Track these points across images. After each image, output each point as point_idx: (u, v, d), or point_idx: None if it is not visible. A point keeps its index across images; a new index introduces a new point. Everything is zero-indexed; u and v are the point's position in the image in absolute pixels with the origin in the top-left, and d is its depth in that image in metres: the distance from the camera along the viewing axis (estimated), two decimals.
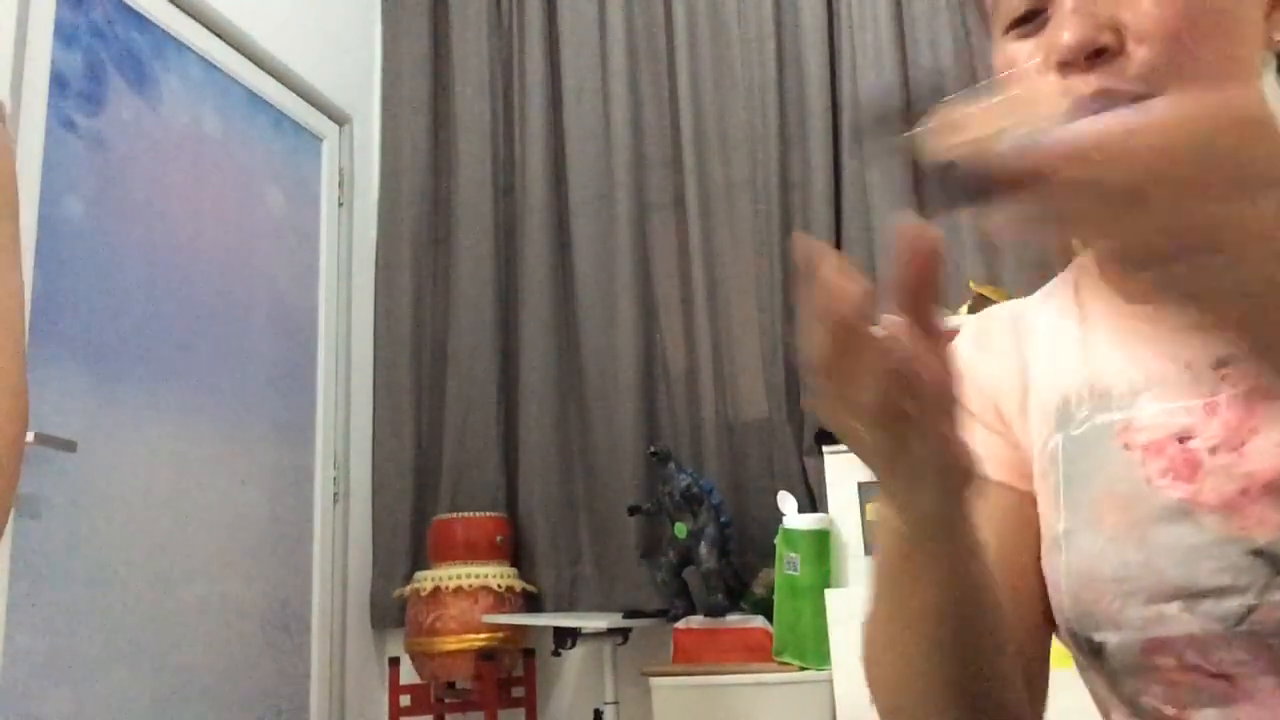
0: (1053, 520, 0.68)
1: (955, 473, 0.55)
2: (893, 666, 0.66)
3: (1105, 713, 0.69)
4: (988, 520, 0.59)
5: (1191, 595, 0.59)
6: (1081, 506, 0.65)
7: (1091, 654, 0.66)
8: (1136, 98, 0.59)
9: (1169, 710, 0.62)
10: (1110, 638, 0.63)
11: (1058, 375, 0.72)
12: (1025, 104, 0.49)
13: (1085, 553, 0.64)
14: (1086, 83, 0.61)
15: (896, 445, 0.53)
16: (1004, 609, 0.63)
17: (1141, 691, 0.63)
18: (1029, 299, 0.81)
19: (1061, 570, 0.66)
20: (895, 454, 0.54)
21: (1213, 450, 0.61)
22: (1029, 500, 0.71)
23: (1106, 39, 0.61)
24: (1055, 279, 0.80)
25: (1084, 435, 0.67)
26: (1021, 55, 0.66)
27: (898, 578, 0.62)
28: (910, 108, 0.51)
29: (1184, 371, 0.64)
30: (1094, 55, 0.61)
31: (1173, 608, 0.60)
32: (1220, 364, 0.62)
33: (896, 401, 0.51)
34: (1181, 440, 0.62)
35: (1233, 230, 0.45)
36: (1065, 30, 0.61)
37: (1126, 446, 0.65)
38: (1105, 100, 0.60)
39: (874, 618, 0.66)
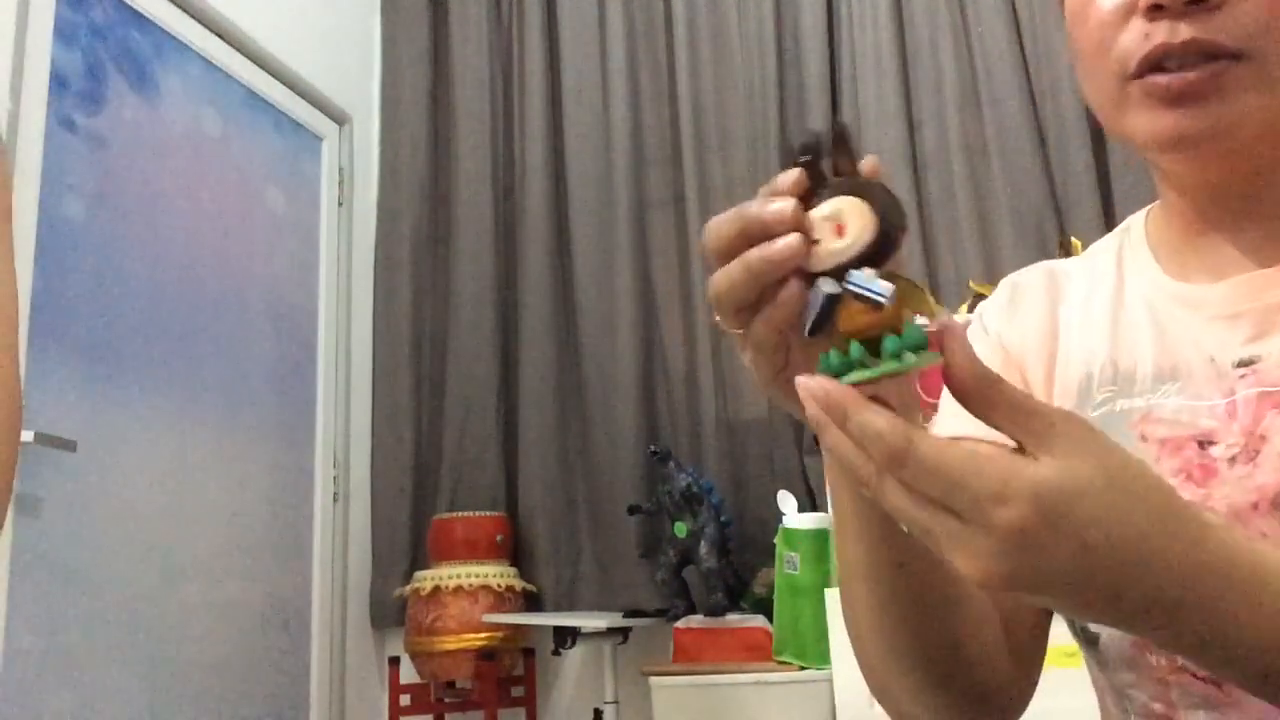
0: None
1: None
2: (853, 623, 0.65)
3: (1100, 697, 0.69)
4: None
5: None
6: None
7: (1086, 642, 0.65)
8: (1230, 55, 0.57)
9: (1157, 707, 0.61)
10: (1104, 630, 0.63)
11: (1085, 346, 0.69)
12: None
13: None
14: (1175, 31, 0.58)
15: (766, 362, 0.51)
16: (960, 583, 0.61)
17: (1132, 685, 0.63)
18: (1076, 258, 0.78)
19: None
20: (764, 370, 0.52)
21: (1231, 461, 0.59)
22: None
23: None
24: (1104, 238, 0.77)
25: (1101, 419, 0.65)
26: None
27: (842, 528, 0.61)
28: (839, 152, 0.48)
29: (1208, 365, 0.62)
30: (1191, 2, 0.58)
31: None
32: (1242, 364, 0.61)
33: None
34: (1202, 445, 0.60)
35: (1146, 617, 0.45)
36: None
37: (1143, 438, 0.63)
38: (1193, 53, 0.58)
39: (839, 573, 0.65)
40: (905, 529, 0.46)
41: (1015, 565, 0.43)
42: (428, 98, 3.27)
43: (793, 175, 0.47)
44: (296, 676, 2.65)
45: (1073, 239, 2.37)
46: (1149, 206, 0.74)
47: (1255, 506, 0.58)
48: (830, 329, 0.46)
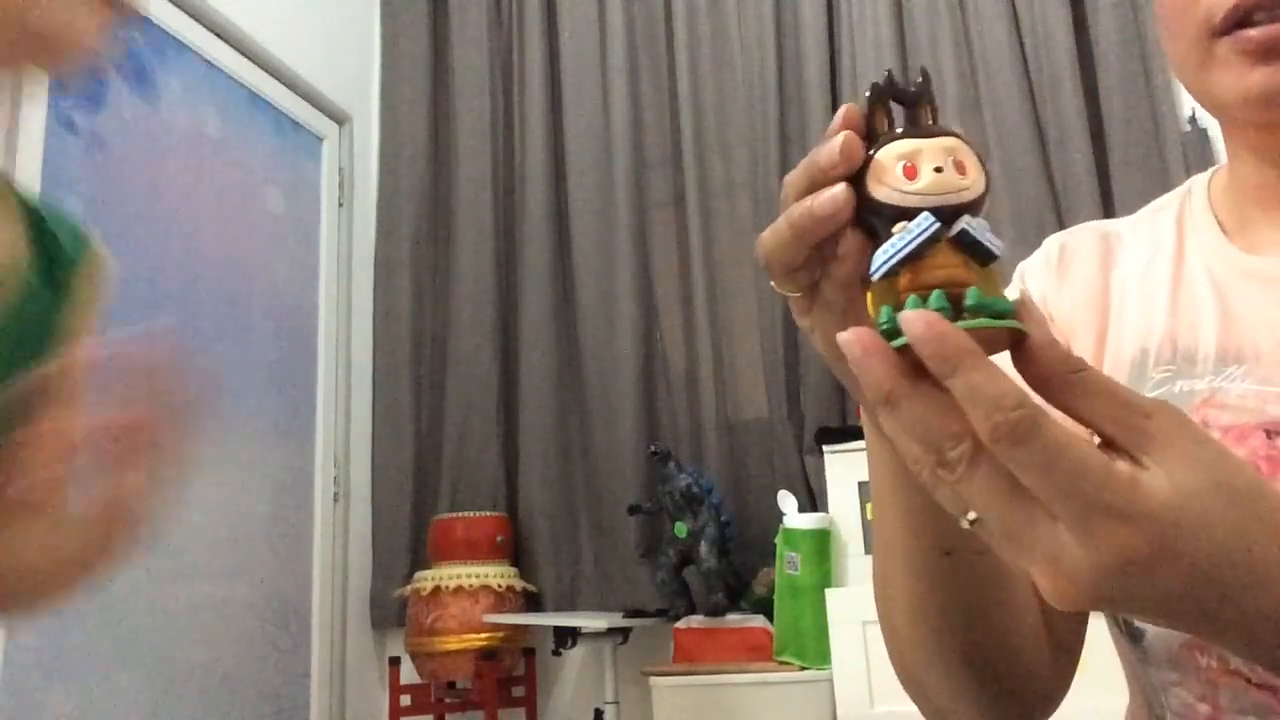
0: None
1: None
2: (887, 610, 0.61)
3: (1133, 692, 0.65)
4: None
5: None
6: None
7: (1130, 638, 0.62)
8: None
9: (1203, 709, 0.58)
10: (1150, 627, 0.59)
11: (1141, 319, 0.64)
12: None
13: None
14: None
15: (830, 327, 0.46)
16: (1003, 565, 0.57)
17: (1176, 684, 0.59)
18: (1127, 218, 0.72)
19: None
20: (826, 338, 0.46)
21: None
22: None
23: None
24: (1162, 197, 0.72)
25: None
26: None
27: (881, 507, 0.56)
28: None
29: (1278, 349, 0.57)
30: None
31: None
32: None
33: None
34: (1270, 434, 0.56)
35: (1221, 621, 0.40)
36: None
37: (1205, 424, 0.58)
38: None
39: (874, 557, 0.61)
40: (967, 522, 0.40)
41: (1115, 589, 0.38)
42: (428, 98, 3.27)
43: (852, 110, 0.42)
44: (296, 676, 2.65)
45: None
46: (1213, 169, 0.69)
47: None
48: (909, 272, 0.40)
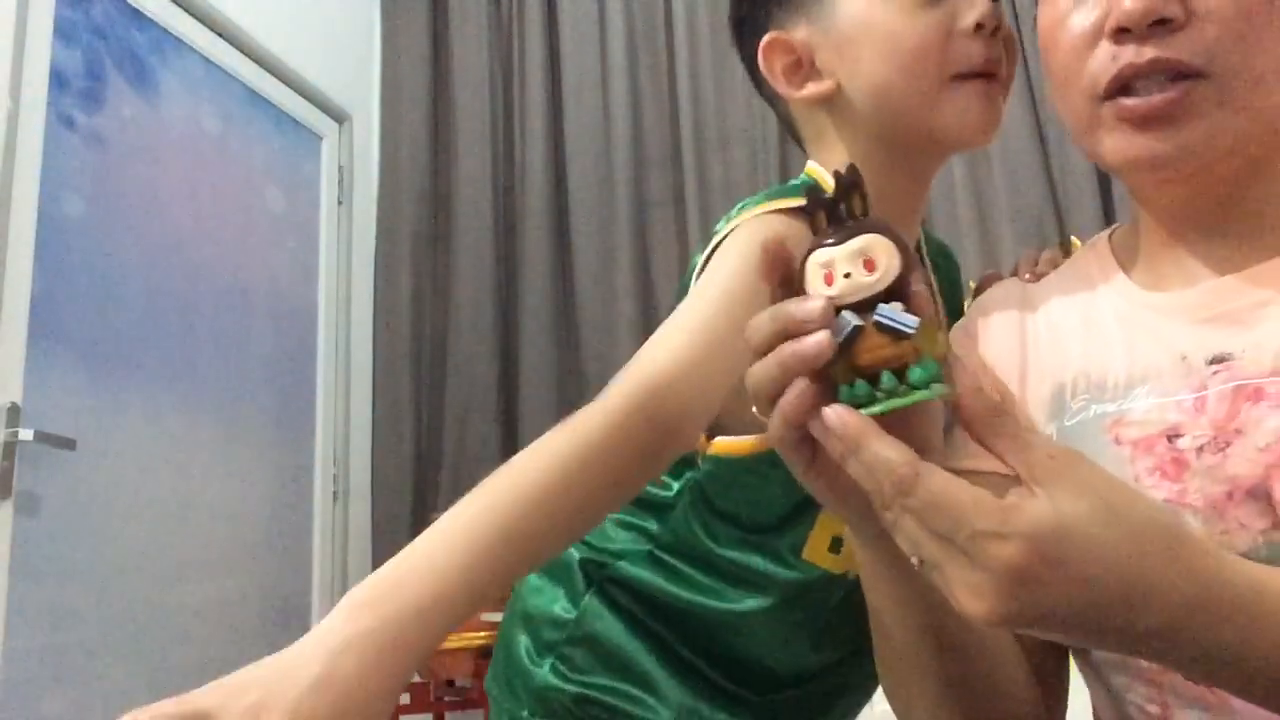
0: None
1: (845, 495, 0.54)
2: (880, 653, 0.66)
3: (1094, 699, 0.69)
4: None
5: None
6: None
7: (1077, 651, 0.66)
8: (1195, 74, 0.59)
9: (1153, 709, 0.61)
10: None
11: (1056, 360, 0.70)
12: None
13: None
14: (1141, 52, 0.60)
15: (797, 452, 0.53)
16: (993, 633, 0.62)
17: (1126, 688, 0.63)
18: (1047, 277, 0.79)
19: None
20: (797, 462, 0.54)
21: (1199, 450, 0.60)
22: None
23: (1173, 10, 0.59)
24: (1074, 255, 0.79)
25: (1077, 426, 0.66)
26: (1070, 15, 0.64)
27: (864, 569, 0.62)
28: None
29: (1179, 363, 0.63)
30: (1155, 25, 0.59)
31: None
32: (1216, 360, 0.61)
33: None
34: (1170, 438, 0.61)
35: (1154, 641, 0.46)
36: None
37: (1117, 441, 0.64)
38: (1159, 72, 0.60)
39: (877, 649, 0.66)
40: (916, 562, 0.47)
41: (1016, 603, 0.43)
42: (428, 97, 3.27)
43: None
44: None
45: (1073, 239, 2.37)
46: (1114, 226, 0.77)
47: (1230, 496, 0.58)
48: (847, 361, 0.48)
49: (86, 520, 2.07)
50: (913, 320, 0.46)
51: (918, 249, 0.96)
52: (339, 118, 3.12)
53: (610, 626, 0.87)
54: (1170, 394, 0.62)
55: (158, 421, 2.28)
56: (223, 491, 2.45)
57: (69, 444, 2.02)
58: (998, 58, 0.83)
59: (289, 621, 2.64)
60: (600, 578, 0.88)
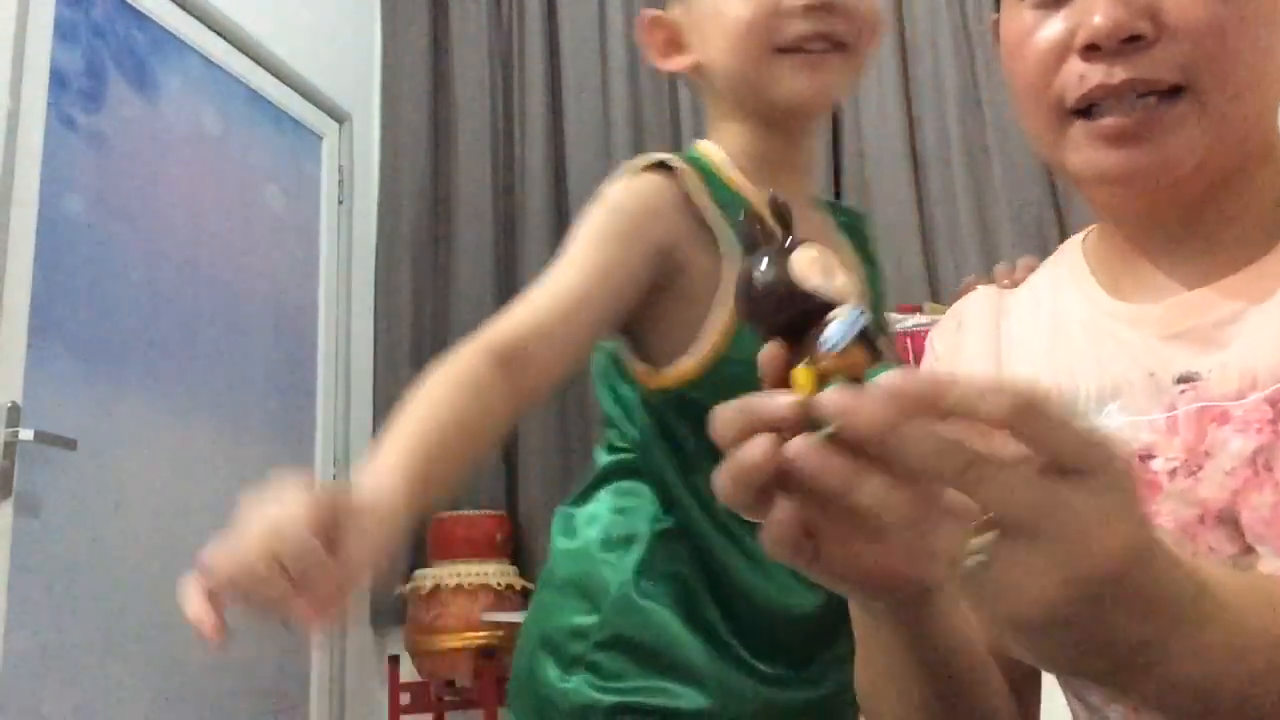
0: None
1: (873, 583, 0.49)
2: (865, 687, 0.64)
3: (1074, 712, 0.68)
4: None
5: None
6: None
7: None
8: (1169, 90, 0.58)
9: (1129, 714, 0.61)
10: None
11: (1028, 369, 0.69)
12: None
13: None
14: (1111, 72, 0.58)
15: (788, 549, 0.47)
16: (982, 672, 0.60)
17: (1102, 704, 0.62)
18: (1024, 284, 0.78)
19: None
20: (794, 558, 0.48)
21: (1171, 474, 0.59)
22: None
23: (1142, 26, 0.57)
24: (1050, 257, 0.77)
25: None
26: (1036, 28, 0.62)
27: (861, 632, 0.59)
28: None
29: (1148, 380, 0.62)
30: (1125, 41, 0.58)
31: None
32: (1183, 379, 0.60)
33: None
34: (1144, 459, 0.60)
35: (1157, 650, 0.42)
36: (1097, 12, 0.58)
37: None
38: (1131, 91, 0.58)
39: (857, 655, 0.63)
40: (968, 563, 0.41)
41: (1145, 529, 0.41)
42: (428, 97, 3.27)
43: (776, 364, 0.46)
44: (296, 675, 2.65)
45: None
46: (1089, 229, 0.74)
47: (1201, 520, 0.58)
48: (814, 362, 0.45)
49: (86, 520, 2.07)
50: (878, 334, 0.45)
51: (825, 215, 1.05)
52: (339, 118, 3.12)
53: (637, 618, 0.89)
54: (1142, 412, 0.61)
55: (158, 421, 2.28)
56: (223, 491, 2.45)
57: (69, 444, 2.02)
58: (828, 31, 0.92)
59: (289, 621, 2.64)
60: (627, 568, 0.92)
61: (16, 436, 1.90)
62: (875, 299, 1.05)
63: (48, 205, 2.07)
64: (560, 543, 0.98)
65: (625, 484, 0.96)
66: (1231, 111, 0.59)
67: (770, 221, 0.48)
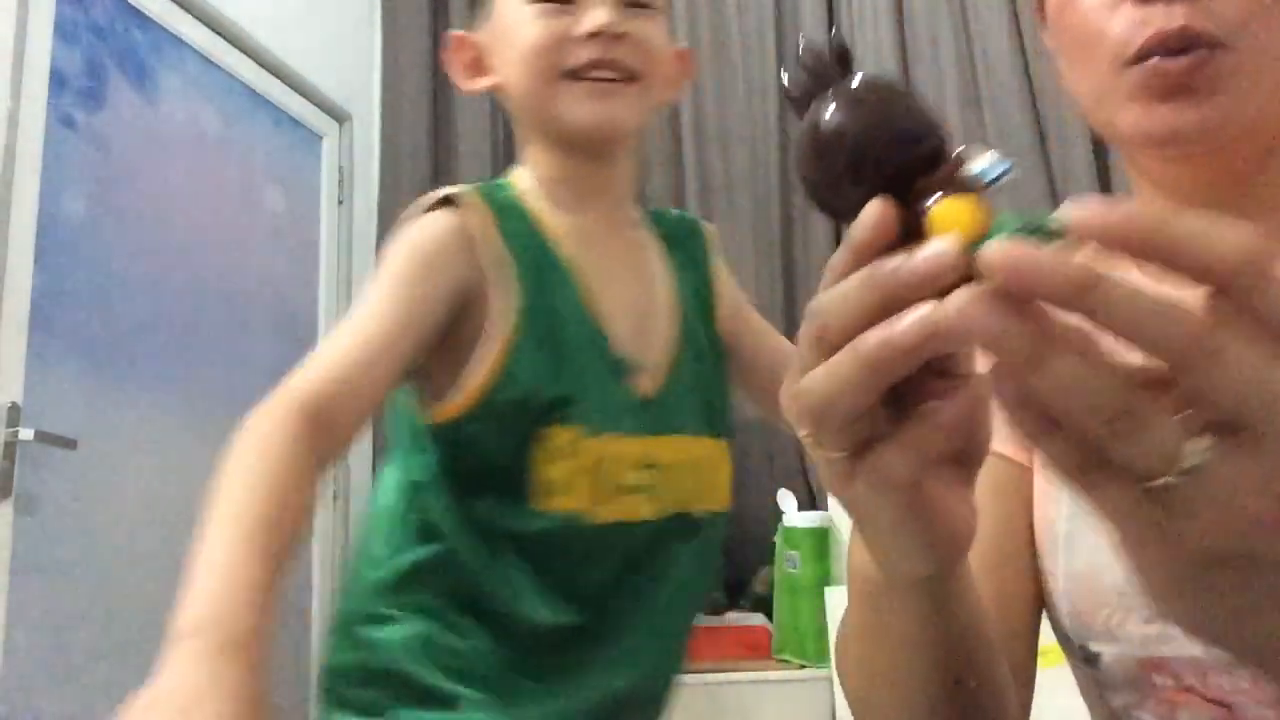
0: (1052, 516, 0.64)
1: (954, 540, 0.42)
2: (860, 685, 0.59)
3: (1094, 714, 0.67)
4: (981, 494, 0.46)
5: None
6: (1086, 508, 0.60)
7: (1085, 661, 0.63)
8: (1218, 44, 0.57)
9: None
10: (1106, 650, 0.60)
11: None
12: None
13: (1088, 558, 0.61)
14: (1171, 15, 0.57)
15: (891, 498, 0.39)
16: (995, 652, 0.55)
17: (1134, 706, 0.61)
18: None
19: (1060, 573, 0.62)
20: (885, 508, 0.39)
21: None
22: (1031, 476, 0.66)
23: None
24: None
25: None
26: None
27: (867, 613, 0.53)
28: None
29: None
30: None
31: (1177, 628, 0.57)
32: None
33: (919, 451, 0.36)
34: None
35: None
36: None
37: None
38: (1187, 38, 0.57)
39: (846, 626, 0.58)
40: (1173, 475, 0.31)
41: None
42: (428, 97, 3.27)
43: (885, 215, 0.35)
44: (296, 676, 2.65)
45: None
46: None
47: None
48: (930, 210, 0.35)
49: (86, 520, 2.07)
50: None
51: (643, 231, 1.06)
52: (339, 117, 3.12)
53: (382, 653, 0.89)
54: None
55: (158, 421, 2.28)
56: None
57: (69, 444, 2.02)
58: (614, 60, 0.93)
59: (288, 621, 2.64)
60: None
61: (16, 436, 1.90)
62: (697, 308, 1.03)
63: (48, 205, 2.07)
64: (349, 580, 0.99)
65: (399, 512, 0.95)
66: (1277, 76, 0.58)
67: (827, 61, 0.37)
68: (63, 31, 2.16)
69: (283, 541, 0.75)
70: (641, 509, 0.93)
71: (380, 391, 0.86)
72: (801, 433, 0.37)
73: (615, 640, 0.92)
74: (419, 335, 0.87)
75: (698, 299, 1.04)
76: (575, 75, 0.94)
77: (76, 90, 2.19)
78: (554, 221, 0.98)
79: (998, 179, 0.35)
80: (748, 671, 2.33)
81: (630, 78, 0.95)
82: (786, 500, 2.43)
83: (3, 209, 1.96)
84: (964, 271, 0.32)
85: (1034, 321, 0.31)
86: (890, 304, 0.33)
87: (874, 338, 0.33)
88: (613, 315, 0.95)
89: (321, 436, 0.82)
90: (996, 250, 0.31)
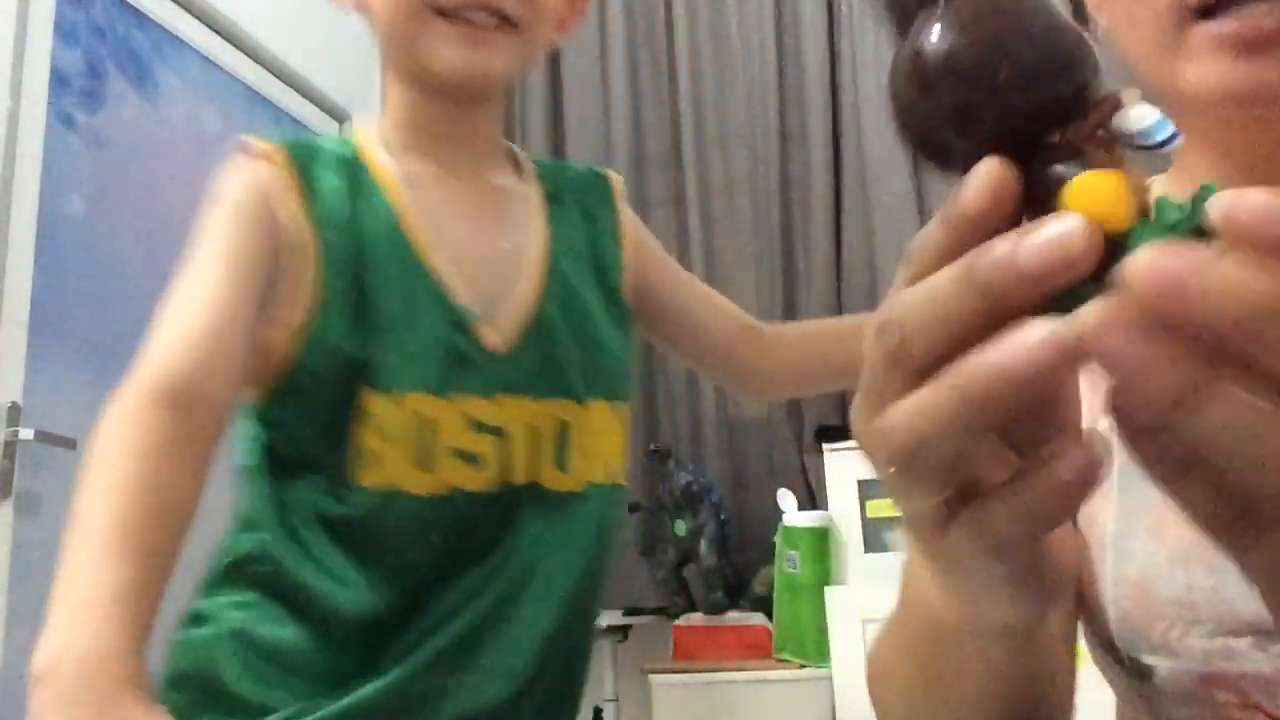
0: (1099, 516, 0.58)
1: (1057, 583, 0.34)
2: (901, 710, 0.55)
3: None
4: None
5: (1266, 631, 0.50)
6: (1141, 509, 0.55)
7: (1135, 675, 0.58)
8: None
9: None
10: (1162, 664, 0.55)
11: None
12: None
13: (1141, 565, 0.56)
14: None
15: (998, 556, 0.31)
16: (1066, 691, 0.52)
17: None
18: None
19: (1108, 578, 0.57)
20: (989, 565, 0.32)
21: None
22: None
23: None
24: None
25: None
26: None
27: (932, 654, 0.48)
28: None
29: None
30: None
31: (1243, 643, 0.51)
32: None
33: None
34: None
35: None
36: None
37: None
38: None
39: (891, 658, 0.54)
40: None
41: None
42: None
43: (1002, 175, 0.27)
44: None
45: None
46: (1153, 178, 0.63)
47: None
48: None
49: None
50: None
51: (524, 183, 0.99)
52: (339, 117, 3.12)
53: (192, 655, 0.85)
54: None
55: None
56: (222, 492, 2.45)
57: (70, 444, 2.01)
58: (495, 5, 0.83)
59: None
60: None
61: (16, 436, 1.90)
62: (589, 262, 0.95)
63: (48, 205, 2.07)
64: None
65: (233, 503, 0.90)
66: None
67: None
68: (63, 31, 2.16)
69: (157, 536, 0.70)
70: (473, 479, 0.82)
71: (238, 356, 0.80)
72: (882, 474, 0.30)
73: (447, 630, 0.82)
74: (254, 290, 0.82)
75: (592, 253, 0.96)
76: (446, 13, 0.83)
77: (77, 90, 2.19)
78: (391, 170, 0.88)
79: (1164, 144, 0.26)
80: (748, 671, 2.33)
81: (509, 24, 0.85)
82: (786, 500, 2.43)
83: (3, 209, 1.96)
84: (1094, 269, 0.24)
85: (1197, 353, 0.23)
86: (999, 311, 0.26)
87: (984, 368, 0.25)
88: (453, 265, 0.86)
89: (189, 414, 0.77)
90: (1156, 267, 0.23)
